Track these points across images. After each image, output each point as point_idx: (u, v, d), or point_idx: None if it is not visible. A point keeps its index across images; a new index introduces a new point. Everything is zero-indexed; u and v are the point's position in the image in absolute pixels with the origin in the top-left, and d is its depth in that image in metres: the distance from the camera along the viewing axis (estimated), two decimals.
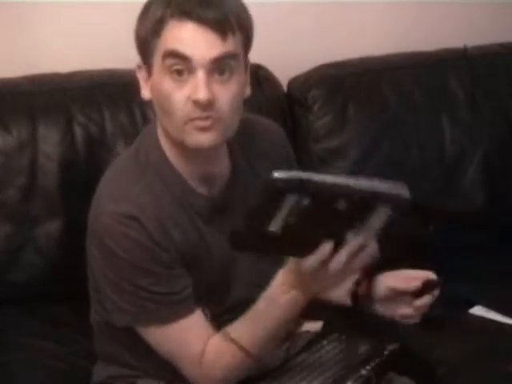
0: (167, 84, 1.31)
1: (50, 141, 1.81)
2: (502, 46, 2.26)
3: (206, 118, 1.31)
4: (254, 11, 1.32)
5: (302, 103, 2.05)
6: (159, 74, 1.32)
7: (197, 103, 1.30)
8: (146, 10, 1.34)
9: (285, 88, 2.09)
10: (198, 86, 1.29)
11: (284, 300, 1.31)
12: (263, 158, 1.50)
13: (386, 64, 2.15)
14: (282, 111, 2.04)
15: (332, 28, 2.22)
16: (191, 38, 1.29)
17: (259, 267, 1.46)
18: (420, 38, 2.24)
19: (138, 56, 1.37)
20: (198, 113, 1.31)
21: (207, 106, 1.30)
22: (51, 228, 1.80)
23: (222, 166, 1.44)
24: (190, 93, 1.30)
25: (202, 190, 1.41)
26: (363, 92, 2.09)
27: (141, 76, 1.38)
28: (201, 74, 1.29)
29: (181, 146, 1.36)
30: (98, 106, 1.86)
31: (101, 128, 1.85)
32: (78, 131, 1.83)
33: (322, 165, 2.04)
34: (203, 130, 1.32)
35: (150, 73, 1.35)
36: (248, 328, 1.38)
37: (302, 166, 2.02)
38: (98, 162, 1.78)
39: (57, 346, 1.75)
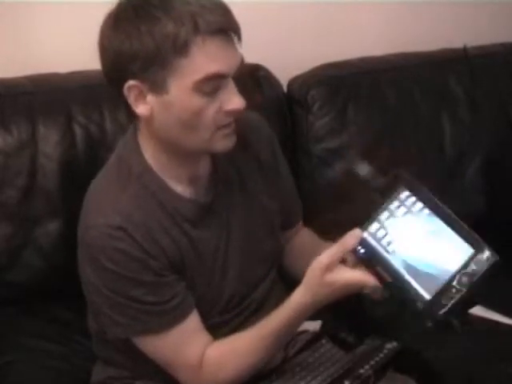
0: (197, 101, 1.27)
1: (50, 141, 1.81)
2: (502, 45, 2.26)
3: (231, 123, 1.32)
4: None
5: (301, 103, 2.04)
6: (185, 93, 1.27)
7: (233, 112, 1.30)
8: (146, 23, 1.25)
9: (285, 88, 2.08)
10: (232, 96, 1.29)
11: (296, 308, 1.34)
12: (246, 151, 1.50)
13: (386, 64, 2.14)
14: (282, 111, 2.04)
15: (332, 28, 2.22)
16: (223, 53, 1.26)
17: (245, 265, 1.46)
18: (420, 38, 2.23)
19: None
20: (228, 120, 1.31)
21: None
22: (51, 228, 1.80)
23: (206, 165, 1.44)
24: (223, 103, 1.29)
25: (187, 193, 1.41)
26: (363, 92, 2.08)
27: (134, 94, 1.30)
28: (232, 84, 1.29)
29: (176, 151, 1.36)
30: (98, 105, 1.86)
31: (101, 128, 1.85)
32: (78, 131, 1.83)
33: (321, 165, 2.03)
34: (229, 135, 1.34)
35: (154, 90, 1.28)
36: (254, 334, 1.39)
37: (302, 167, 2.03)
38: (98, 162, 1.77)
39: (57, 345, 1.75)
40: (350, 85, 2.07)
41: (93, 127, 1.85)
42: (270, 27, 2.11)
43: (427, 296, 1.24)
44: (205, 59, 1.25)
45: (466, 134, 2.14)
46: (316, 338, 1.57)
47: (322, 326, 1.58)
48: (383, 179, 1.40)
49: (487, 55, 2.22)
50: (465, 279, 1.22)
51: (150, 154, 1.39)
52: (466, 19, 2.32)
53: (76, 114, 1.84)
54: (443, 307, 1.23)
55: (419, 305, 1.24)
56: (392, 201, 1.32)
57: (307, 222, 1.72)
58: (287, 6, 2.13)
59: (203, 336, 1.41)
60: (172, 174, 1.39)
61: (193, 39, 1.24)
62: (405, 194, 1.31)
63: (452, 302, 1.22)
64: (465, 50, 2.16)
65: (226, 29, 1.26)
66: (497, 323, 1.81)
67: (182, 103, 1.28)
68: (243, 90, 1.42)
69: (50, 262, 1.82)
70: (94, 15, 1.92)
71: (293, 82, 2.09)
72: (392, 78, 2.12)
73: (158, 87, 1.28)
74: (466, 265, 1.22)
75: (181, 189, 1.40)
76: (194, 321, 1.40)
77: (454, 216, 1.26)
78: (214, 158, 1.45)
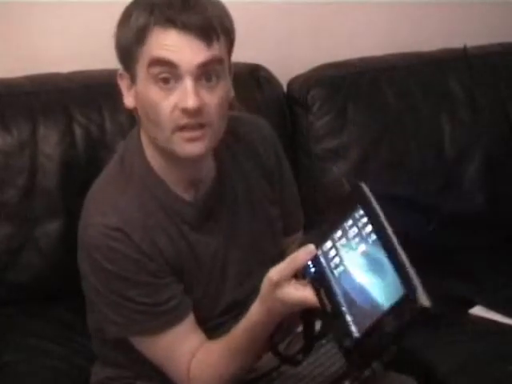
0: (154, 93, 1.29)
1: (50, 141, 1.81)
2: (501, 45, 2.26)
3: (196, 127, 1.30)
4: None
5: (301, 103, 2.04)
6: (144, 82, 1.30)
7: (185, 111, 1.28)
8: (126, 18, 1.31)
9: (285, 88, 2.08)
10: (186, 94, 1.28)
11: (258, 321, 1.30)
12: (250, 156, 1.49)
13: (386, 64, 2.14)
14: (282, 111, 2.04)
15: (332, 28, 2.22)
16: (176, 45, 1.27)
17: (246, 269, 1.46)
18: (420, 38, 2.24)
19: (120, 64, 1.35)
20: (186, 120, 1.29)
21: (196, 113, 1.28)
22: (51, 228, 1.80)
23: (208, 169, 1.43)
24: (178, 101, 1.28)
25: (187, 196, 1.41)
26: (363, 92, 2.08)
27: (123, 84, 1.36)
28: (188, 81, 1.28)
29: (168, 153, 1.35)
30: (98, 106, 1.86)
31: (101, 128, 1.85)
32: (78, 131, 1.83)
33: (321, 165, 2.04)
34: (192, 140, 1.31)
35: (133, 81, 1.33)
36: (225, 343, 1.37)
37: (302, 167, 2.03)
38: (98, 162, 1.78)
39: (57, 345, 1.75)
40: (350, 85, 2.07)
41: (93, 127, 1.85)
42: (270, 27, 2.11)
43: (356, 334, 1.11)
44: (156, 45, 1.28)
45: (466, 133, 2.14)
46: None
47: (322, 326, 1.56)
48: (343, 189, 1.25)
49: (487, 55, 2.22)
50: (391, 322, 1.06)
51: (151, 154, 1.39)
52: (466, 19, 2.32)
53: (76, 114, 1.84)
54: (367, 349, 1.10)
55: (347, 341, 1.12)
56: (347, 218, 1.18)
57: (307, 223, 1.72)
58: (287, 6, 2.13)
59: (196, 337, 1.40)
60: (171, 175, 1.39)
61: (149, 28, 1.28)
62: (359, 212, 1.17)
63: (376, 344, 1.09)
64: (465, 49, 2.16)
65: (186, 24, 1.27)
66: (497, 323, 1.81)
67: (143, 93, 1.31)
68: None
69: (50, 262, 1.82)
70: (93, 15, 1.95)
71: (293, 82, 2.09)
72: (392, 78, 2.12)
73: (134, 78, 1.33)
74: (394, 306, 1.06)
75: (181, 191, 1.40)
76: (189, 323, 1.39)
77: (398, 247, 1.10)
78: (218, 162, 1.45)
